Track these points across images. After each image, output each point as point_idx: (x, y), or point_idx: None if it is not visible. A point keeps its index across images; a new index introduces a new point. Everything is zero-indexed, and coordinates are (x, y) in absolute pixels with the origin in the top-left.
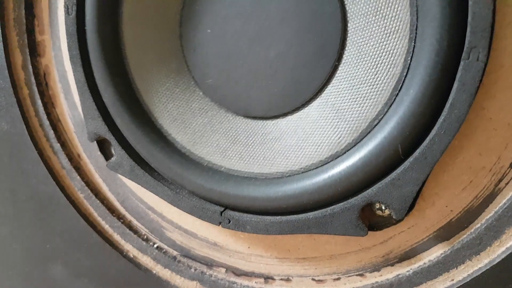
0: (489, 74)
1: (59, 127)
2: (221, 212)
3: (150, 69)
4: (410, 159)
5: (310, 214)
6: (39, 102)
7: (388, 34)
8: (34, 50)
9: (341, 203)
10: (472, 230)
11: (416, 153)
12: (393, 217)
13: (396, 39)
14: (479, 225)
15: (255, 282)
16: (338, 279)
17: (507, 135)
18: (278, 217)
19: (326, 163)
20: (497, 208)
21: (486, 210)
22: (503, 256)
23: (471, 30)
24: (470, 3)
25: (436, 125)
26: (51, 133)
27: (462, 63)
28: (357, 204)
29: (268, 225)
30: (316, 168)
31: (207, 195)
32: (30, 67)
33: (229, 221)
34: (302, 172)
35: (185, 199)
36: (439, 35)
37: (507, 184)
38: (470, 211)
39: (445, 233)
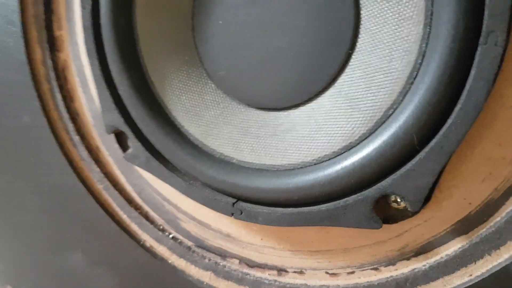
0: (510, 60)
1: (78, 120)
2: (233, 204)
3: (164, 62)
4: (426, 149)
5: (323, 206)
6: (58, 96)
7: (402, 20)
8: (52, 45)
9: (355, 195)
10: (492, 224)
11: (432, 143)
12: (409, 209)
13: (410, 25)
14: (499, 218)
15: (268, 274)
16: (352, 272)
17: None
18: (290, 209)
19: (339, 154)
20: None
21: (506, 203)
22: None
23: (489, 13)
24: None
25: (452, 114)
26: (70, 126)
27: (479, 48)
28: (371, 196)
29: (279, 217)
30: (329, 159)
31: (219, 187)
32: (49, 62)
33: (241, 213)
34: (315, 164)
35: (198, 190)
36: (455, 20)
37: None
38: (490, 204)
39: (463, 227)
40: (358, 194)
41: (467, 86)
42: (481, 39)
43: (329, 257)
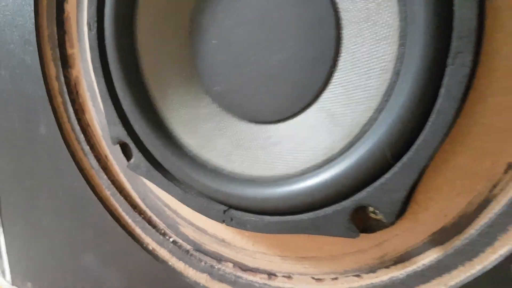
0: (481, 79)
1: (89, 131)
2: (224, 211)
3: (164, 78)
4: (399, 164)
5: (305, 216)
6: (70, 109)
7: (379, 40)
8: (65, 62)
9: (334, 206)
10: (466, 236)
11: (405, 158)
12: (383, 220)
13: (386, 45)
14: (473, 231)
15: (259, 278)
16: (336, 278)
17: (501, 140)
18: (276, 218)
19: (320, 167)
20: (491, 214)
21: (480, 216)
22: (495, 263)
23: (456, 36)
24: (455, 8)
25: (424, 131)
26: (81, 136)
27: (448, 69)
28: (348, 207)
29: (266, 224)
30: (311, 172)
31: (212, 195)
32: (62, 77)
33: (232, 220)
34: (298, 175)
35: (193, 198)
36: (425, 42)
37: (501, 190)
38: (464, 217)
39: (439, 238)
40: (337, 204)
41: (437, 105)
42: (449, 60)
43: (315, 263)
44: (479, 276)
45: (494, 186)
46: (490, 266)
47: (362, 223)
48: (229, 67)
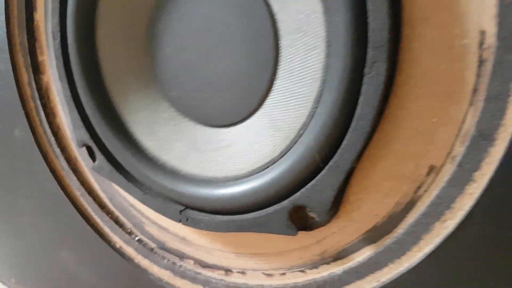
0: (401, 86)
1: (59, 134)
2: (181, 211)
3: (124, 84)
4: (327, 167)
5: (250, 215)
6: (42, 113)
7: (309, 50)
8: (36, 68)
9: (274, 206)
10: (395, 235)
11: (331, 161)
12: (316, 219)
13: (315, 55)
14: (401, 230)
15: (217, 274)
16: (284, 274)
17: (423, 144)
18: (226, 217)
19: (263, 169)
20: (417, 214)
21: (407, 216)
22: (420, 261)
23: (372, 46)
24: (369, 20)
25: (347, 136)
26: (52, 139)
27: (365, 77)
28: (286, 206)
29: (218, 223)
30: (256, 173)
31: (170, 196)
32: (34, 83)
33: (187, 219)
34: (245, 177)
35: (152, 198)
36: (345, 52)
37: (425, 191)
38: (393, 216)
39: (372, 236)
40: (277, 205)
41: (357, 112)
42: (366, 69)
43: (265, 260)
44: (406, 273)
45: (419, 188)
46: (416, 263)
47: (303, 221)
48: (184, 74)
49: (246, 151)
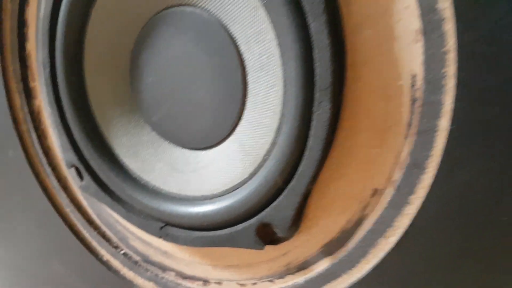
0: (346, 120)
1: (50, 155)
2: (161, 227)
3: (108, 110)
4: (287, 189)
5: (223, 231)
6: (34, 135)
7: (270, 87)
8: (29, 94)
9: (244, 223)
10: (347, 248)
11: (290, 185)
12: (279, 235)
13: (275, 92)
14: (351, 244)
15: (196, 284)
16: (255, 283)
17: (367, 170)
18: (202, 233)
19: (234, 190)
20: (364, 231)
21: (356, 232)
22: (367, 273)
23: (318, 88)
24: (316, 65)
25: (301, 163)
26: (44, 159)
27: (314, 114)
28: (254, 224)
29: (194, 239)
30: (228, 193)
31: (151, 213)
32: (26, 108)
33: (167, 235)
34: (218, 196)
35: (135, 216)
36: (296, 92)
37: (371, 211)
38: (345, 232)
39: (329, 250)
40: (246, 222)
41: (309, 143)
42: (314, 108)
43: (239, 271)
44: (356, 283)
45: (365, 208)
46: (364, 275)
47: (269, 237)
48: (163, 101)
49: (220, 173)
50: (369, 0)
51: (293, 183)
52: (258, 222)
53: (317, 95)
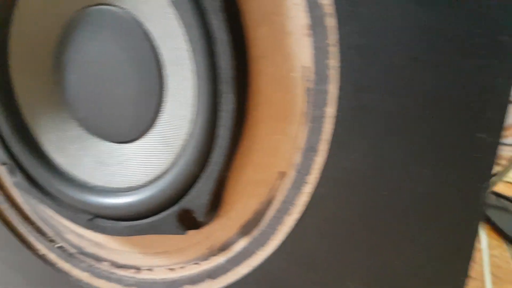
0: (252, 110)
1: None
2: (89, 219)
3: (36, 107)
4: (202, 176)
5: (147, 220)
6: None
7: (184, 80)
8: None
9: (166, 211)
10: (260, 228)
11: (204, 173)
12: (199, 220)
13: (189, 84)
14: (264, 223)
15: (129, 272)
16: (183, 267)
17: (272, 155)
18: (128, 223)
19: (156, 180)
20: (273, 211)
21: (267, 212)
22: (278, 247)
23: (222, 81)
24: (219, 60)
25: (213, 152)
26: None
27: (220, 106)
28: (174, 211)
29: (121, 229)
30: (151, 183)
31: (80, 206)
32: None
33: (96, 227)
34: (142, 187)
35: (65, 209)
36: (205, 85)
37: (277, 192)
38: (258, 213)
39: (245, 230)
40: (168, 209)
41: (219, 133)
42: (220, 99)
43: (167, 257)
44: (267, 258)
45: (273, 190)
46: (274, 249)
47: (191, 222)
48: (87, 97)
49: (143, 164)
50: None
51: (207, 171)
52: (179, 209)
53: (222, 87)
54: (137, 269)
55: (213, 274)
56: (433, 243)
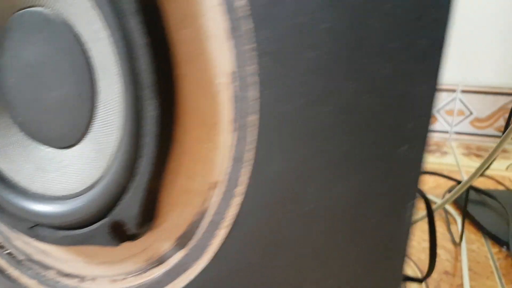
0: (182, 117)
1: None
2: (31, 227)
3: None
4: (132, 187)
5: (83, 230)
6: None
7: (112, 84)
8: None
9: (99, 221)
10: (195, 240)
11: (133, 183)
12: (130, 232)
13: (116, 89)
14: (198, 235)
15: (73, 281)
16: (125, 278)
17: (203, 164)
18: (65, 232)
19: (90, 189)
20: (206, 223)
21: (201, 224)
22: (210, 260)
23: (144, 87)
24: (138, 64)
25: (142, 161)
26: None
27: (144, 112)
28: (107, 222)
29: (59, 238)
30: (83, 193)
31: (20, 214)
32: None
33: (37, 235)
34: (76, 196)
35: (8, 217)
36: (129, 91)
37: (210, 204)
38: (193, 225)
39: (181, 242)
40: (101, 220)
41: (145, 141)
42: (143, 105)
43: (109, 267)
44: (202, 270)
45: (205, 201)
46: (208, 262)
47: (125, 234)
48: (26, 102)
49: (79, 171)
50: None
51: (136, 180)
52: (110, 220)
53: (144, 93)
54: (81, 278)
55: (152, 286)
56: (360, 258)
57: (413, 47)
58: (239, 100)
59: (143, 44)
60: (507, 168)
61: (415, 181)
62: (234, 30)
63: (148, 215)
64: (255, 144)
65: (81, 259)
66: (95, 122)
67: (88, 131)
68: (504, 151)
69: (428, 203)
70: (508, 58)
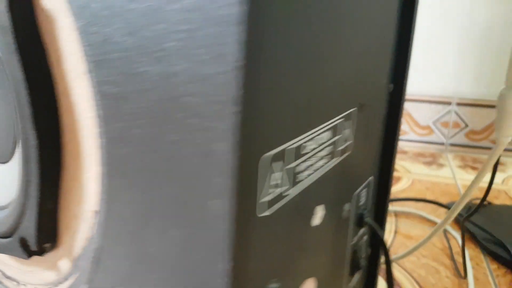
0: (69, 144)
1: None
2: None
3: None
4: (28, 208)
5: (4, 240)
6: None
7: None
8: None
9: (14, 235)
10: (86, 264)
11: (28, 203)
12: (33, 248)
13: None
14: (88, 260)
15: (12, 284)
16: None
17: (83, 192)
18: None
19: (10, 204)
20: (92, 249)
21: (91, 249)
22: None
23: (21, 116)
24: (19, 95)
25: (31, 183)
26: None
27: (23, 141)
28: (16, 237)
29: None
30: (5, 208)
31: None
32: None
33: None
34: (2, 209)
35: None
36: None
37: (95, 230)
38: (85, 249)
39: (78, 265)
40: (15, 234)
41: (31, 165)
42: (22, 134)
43: (36, 275)
44: None
45: (92, 227)
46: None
47: (31, 249)
48: None
49: (6, 187)
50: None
51: (29, 203)
52: (18, 236)
53: (22, 122)
54: (18, 283)
55: None
56: None
57: (211, 104)
58: (99, 137)
59: (21, 80)
60: (503, 182)
61: (226, 238)
62: (90, 68)
63: (47, 234)
64: (103, 187)
65: (15, 265)
66: (20, 140)
67: (17, 148)
68: (500, 164)
69: (386, 252)
70: (502, 71)
